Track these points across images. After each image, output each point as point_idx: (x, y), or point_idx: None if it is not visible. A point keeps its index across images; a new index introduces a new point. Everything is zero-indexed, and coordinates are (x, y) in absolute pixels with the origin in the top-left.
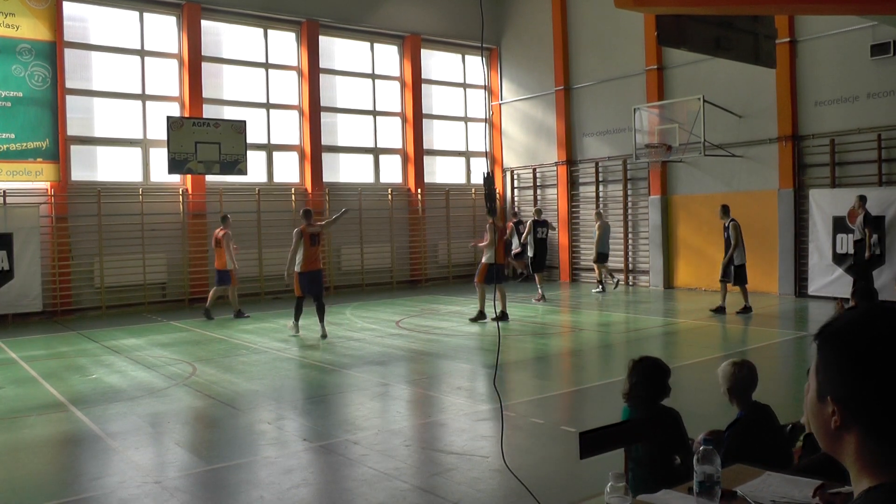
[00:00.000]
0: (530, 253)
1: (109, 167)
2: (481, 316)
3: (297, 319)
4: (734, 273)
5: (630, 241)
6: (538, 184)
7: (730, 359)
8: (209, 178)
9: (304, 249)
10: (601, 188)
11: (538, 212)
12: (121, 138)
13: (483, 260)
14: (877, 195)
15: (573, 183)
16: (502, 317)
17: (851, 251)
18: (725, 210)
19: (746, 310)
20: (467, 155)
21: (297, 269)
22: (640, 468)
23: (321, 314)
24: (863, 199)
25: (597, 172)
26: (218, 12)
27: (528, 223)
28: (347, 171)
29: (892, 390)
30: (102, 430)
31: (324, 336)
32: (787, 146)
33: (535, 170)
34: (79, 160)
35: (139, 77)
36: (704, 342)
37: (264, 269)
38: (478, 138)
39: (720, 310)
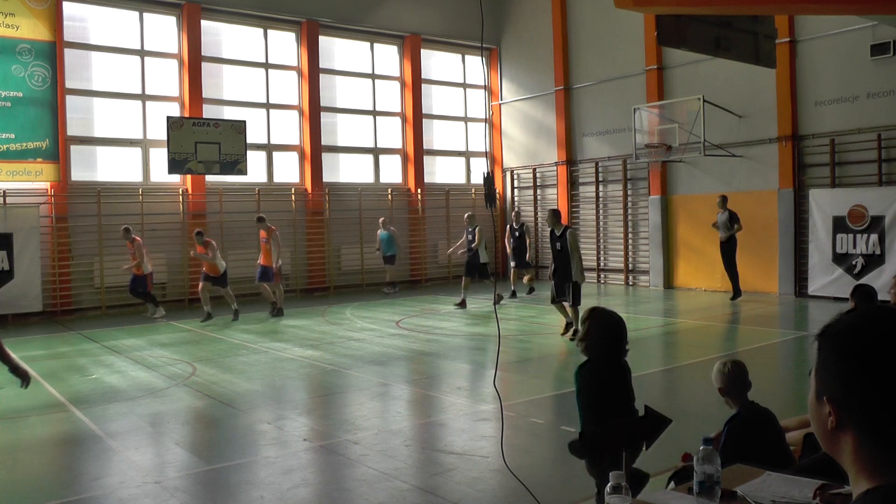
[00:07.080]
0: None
1: (109, 167)
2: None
3: (155, 305)
4: (572, 291)
5: (630, 241)
6: (538, 184)
7: (720, 360)
8: (209, 178)
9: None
10: (601, 188)
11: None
12: (121, 138)
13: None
14: (877, 195)
15: (573, 183)
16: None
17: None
18: (556, 216)
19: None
20: (467, 155)
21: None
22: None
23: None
24: (724, 199)
25: (597, 172)
26: (218, 12)
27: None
28: (347, 171)
29: (890, 392)
30: (102, 430)
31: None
32: (787, 146)
33: (535, 170)
34: (79, 160)
35: (139, 77)
36: (704, 342)
37: None
38: (478, 138)
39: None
